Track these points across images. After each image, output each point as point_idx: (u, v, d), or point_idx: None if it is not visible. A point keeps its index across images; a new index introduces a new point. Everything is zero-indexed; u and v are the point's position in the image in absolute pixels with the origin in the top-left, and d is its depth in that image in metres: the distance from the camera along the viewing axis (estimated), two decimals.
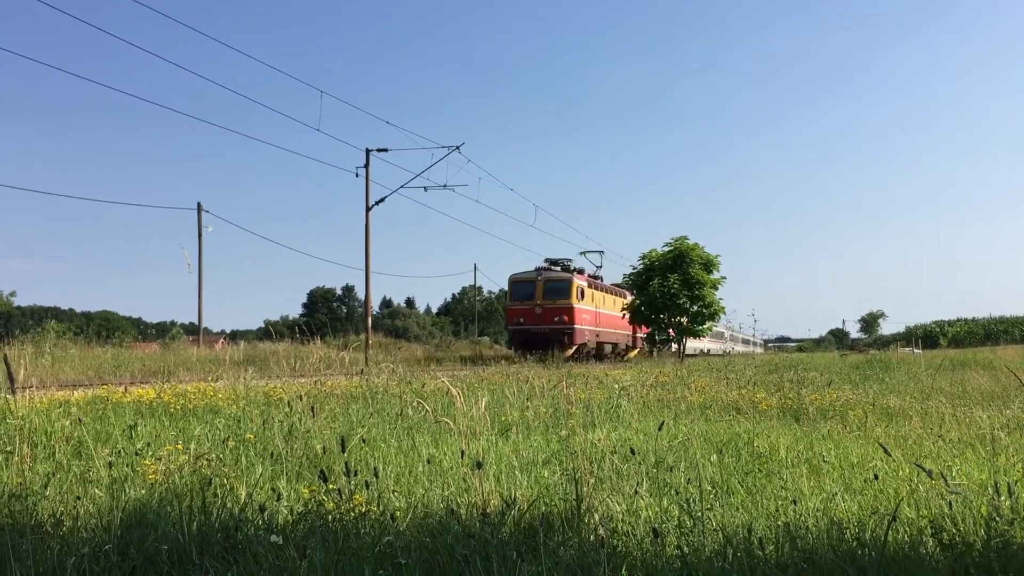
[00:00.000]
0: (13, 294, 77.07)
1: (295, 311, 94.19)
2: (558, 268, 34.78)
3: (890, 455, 4.72)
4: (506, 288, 35.70)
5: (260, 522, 3.58)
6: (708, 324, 37.18)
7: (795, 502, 4.10)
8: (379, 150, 30.39)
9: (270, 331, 31.05)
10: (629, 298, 42.94)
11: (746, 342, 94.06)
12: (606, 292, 39.26)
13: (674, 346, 37.91)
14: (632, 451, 5.13)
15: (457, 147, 30.38)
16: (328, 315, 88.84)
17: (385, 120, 75.45)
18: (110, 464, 4.72)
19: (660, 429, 5.70)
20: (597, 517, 3.69)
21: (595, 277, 39.45)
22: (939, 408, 8.64)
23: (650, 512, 3.95)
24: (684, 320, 35.91)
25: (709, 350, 66.79)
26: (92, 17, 52.82)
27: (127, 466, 4.81)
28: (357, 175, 30.29)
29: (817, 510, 4.01)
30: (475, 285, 79.57)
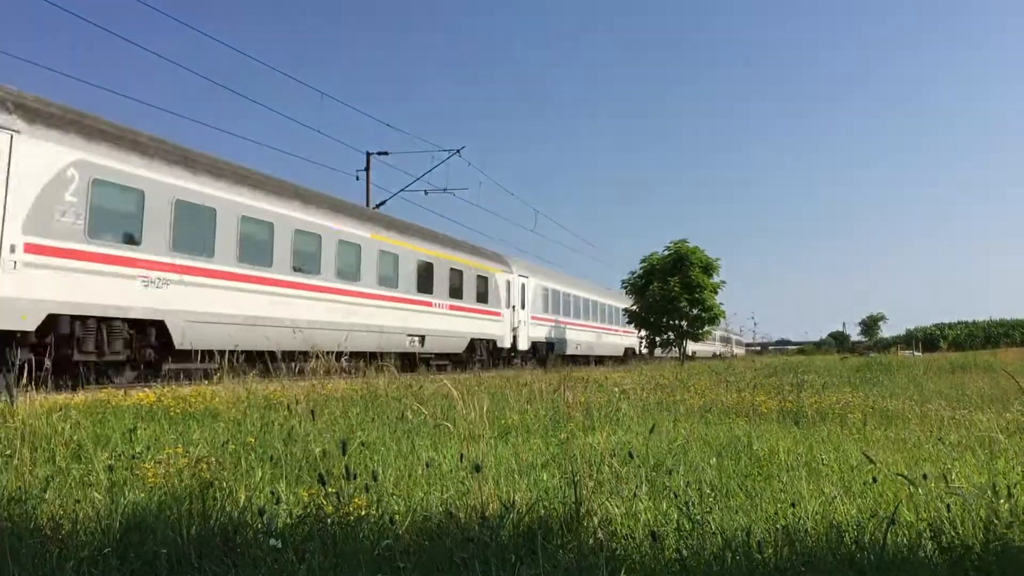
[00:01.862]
0: None
1: None
2: None
3: (873, 463, 4.70)
4: None
5: (259, 525, 3.58)
6: (708, 328, 37.20)
7: (794, 505, 4.10)
8: (379, 153, 30.43)
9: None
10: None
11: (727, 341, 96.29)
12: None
13: (675, 350, 37.95)
14: (631, 454, 5.13)
15: (458, 151, 30.39)
16: None
17: (386, 123, 75.52)
18: (109, 467, 4.72)
19: (651, 432, 5.70)
20: (596, 520, 3.69)
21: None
22: (938, 411, 8.64)
23: (649, 515, 3.95)
24: (684, 324, 35.95)
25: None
26: (94, 17, 53.05)
27: (126, 469, 4.81)
28: (358, 178, 30.33)
29: (816, 513, 4.01)
30: None
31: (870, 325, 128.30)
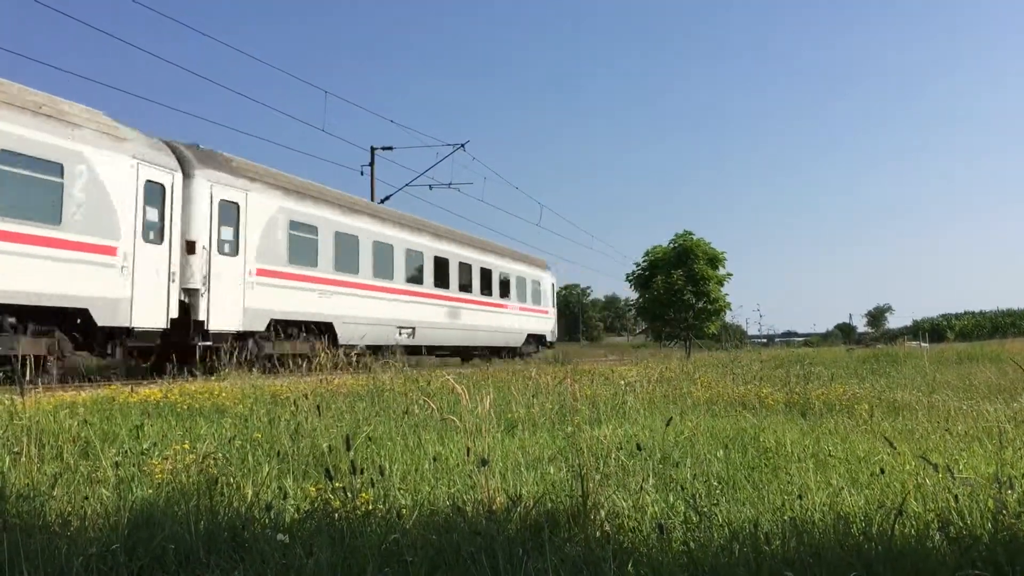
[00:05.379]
0: None
1: None
2: None
3: (894, 447, 4.70)
4: None
5: (267, 521, 3.59)
6: (714, 320, 37.09)
7: (801, 497, 4.09)
8: (384, 148, 30.49)
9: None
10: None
11: None
12: None
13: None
14: (638, 447, 5.12)
15: (462, 145, 30.51)
16: None
17: (389, 119, 75.35)
18: (117, 464, 4.73)
19: (668, 424, 5.69)
20: (603, 513, 3.69)
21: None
22: (946, 402, 8.61)
23: (656, 508, 3.95)
24: (690, 316, 35.86)
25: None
26: (99, 20, 53.03)
27: (134, 466, 4.83)
28: (362, 173, 30.42)
29: (823, 505, 4.00)
30: None
31: (876, 316, 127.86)
